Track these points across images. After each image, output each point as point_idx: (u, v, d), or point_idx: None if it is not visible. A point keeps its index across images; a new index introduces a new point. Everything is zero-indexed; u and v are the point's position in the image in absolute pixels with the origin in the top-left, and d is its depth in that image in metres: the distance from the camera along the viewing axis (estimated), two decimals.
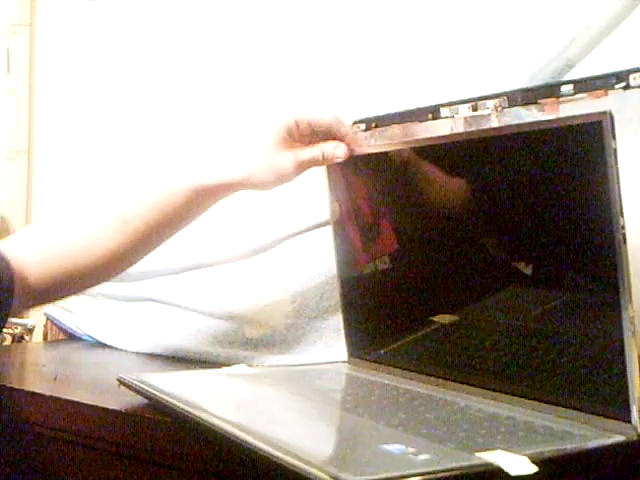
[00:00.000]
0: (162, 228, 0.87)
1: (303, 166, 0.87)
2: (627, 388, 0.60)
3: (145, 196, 0.86)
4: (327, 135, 0.87)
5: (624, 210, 0.60)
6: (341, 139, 0.87)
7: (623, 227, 0.60)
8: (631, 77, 0.68)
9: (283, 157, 0.86)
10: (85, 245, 0.84)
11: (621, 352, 0.61)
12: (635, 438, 0.60)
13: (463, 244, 0.78)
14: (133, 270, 0.99)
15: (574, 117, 0.64)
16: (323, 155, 0.87)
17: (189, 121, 1.19)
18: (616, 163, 0.60)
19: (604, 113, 0.61)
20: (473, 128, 0.80)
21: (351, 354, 0.92)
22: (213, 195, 0.87)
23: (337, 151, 0.86)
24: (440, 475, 0.53)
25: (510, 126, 0.73)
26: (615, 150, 0.60)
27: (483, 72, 0.94)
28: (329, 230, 0.97)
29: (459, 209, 0.77)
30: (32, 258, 0.81)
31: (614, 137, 0.60)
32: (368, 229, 0.89)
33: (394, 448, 0.58)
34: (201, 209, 0.88)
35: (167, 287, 1.13)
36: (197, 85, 1.20)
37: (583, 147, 0.63)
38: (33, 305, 0.85)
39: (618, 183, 0.60)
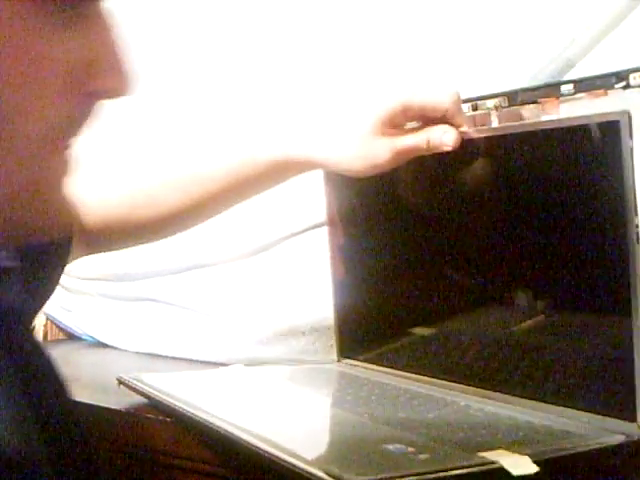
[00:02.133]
0: (233, 195, 0.82)
1: (402, 155, 0.77)
2: (634, 387, 0.60)
3: (222, 160, 0.81)
4: (439, 121, 0.77)
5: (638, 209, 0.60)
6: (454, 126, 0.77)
7: (637, 226, 0.60)
8: (631, 77, 0.68)
9: (379, 145, 0.76)
10: (148, 199, 0.80)
11: (629, 351, 0.61)
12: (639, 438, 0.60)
13: (467, 244, 0.78)
14: (133, 270, 0.99)
15: (592, 116, 0.64)
16: (428, 143, 0.76)
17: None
18: (632, 162, 0.60)
19: (623, 112, 0.61)
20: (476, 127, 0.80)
21: (341, 354, 0.91)
22: (295, 170, 0.81)
23: (445, 138, 0.75)
24: (440, 475, 0.53)
25: (526, 124, 0.73)
26: (632, 149, 0.60)
27: (483, 72, 0.94)
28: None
29: (465, 209, 0.77)
30: (92, 202, 0.78)
31: (631, 136, 0.60)
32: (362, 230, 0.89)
33: (394, 448, 0.58)
34: (277, 181, 0.83)
35: (167, 287, 1.13)
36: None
37: (600, 146, 0.63)
38: (87, 252, 0.82)
39: (634, 182, 0.60)
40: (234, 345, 1.04)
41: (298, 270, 1.03)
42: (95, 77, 0.40)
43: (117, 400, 0.81)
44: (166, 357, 1.10)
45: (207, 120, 1.11)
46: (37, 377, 0.52)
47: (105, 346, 1.19)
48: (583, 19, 0.91)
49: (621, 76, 0.69)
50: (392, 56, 1.03)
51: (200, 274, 1.10)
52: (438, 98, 0.75)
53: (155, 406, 0.77)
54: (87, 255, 0.82)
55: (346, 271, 0.91)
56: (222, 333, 1.05)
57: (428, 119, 0.76)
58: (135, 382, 0.80)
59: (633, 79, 0.68)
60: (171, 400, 0.74)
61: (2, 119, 0.37)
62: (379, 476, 0.52)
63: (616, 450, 0.59)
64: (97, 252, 0.84)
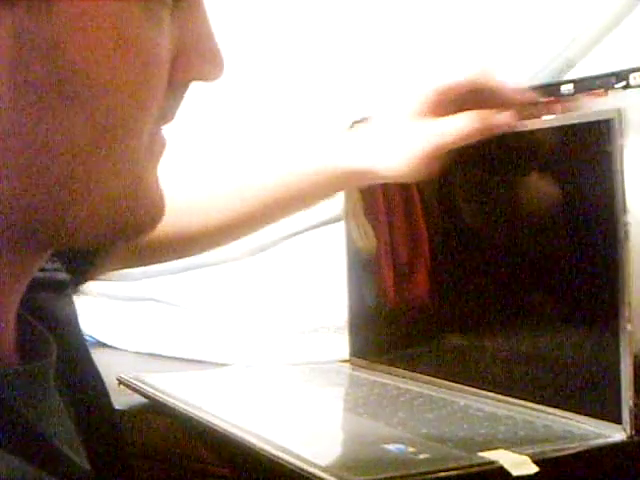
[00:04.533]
0: (284, 206, 0.79)
1: (442, 142, 0.70)
2: (620, 391, 0.60)
3: (274, 172, 0.78)
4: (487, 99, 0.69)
5: (627, 207, 0.60)
6: (505, 102, 0.69)
7: (626, 224, 0.60)
8: (631, 77, 0.68)
9: (419, 137, 0.70)
10: (197, 211, 0.77)
11: (616, 355, 0.61)
12: (626, 439, 0.60)
13: (467, 244, 0.78)
14: (133, 270, 0.99)
15: (586, 115, 0.64)
16: (470, 127, 0.68)
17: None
18: (622, 160, 0.60)
19: (616, 111, 0.61)
20: None
21: (353, 353, 0.92)
22: (351, 181, 0.78)
23: (500, 116, 0.67)
24: (440, 475, 0.53)
25: (521, 123, 0.73)
26: (622, 147, 0.60)
27: None
28: (329, 230, 0.97)
29: (467, 209, 0.77)
30: None
31: (622, 135, 0.60)
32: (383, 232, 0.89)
33: (394, 448, 0.58)
34: (332, 193, 0.79)
35: (167, 287, 1.13)
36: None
37: (592, 144, 0.63)
38: (129, 265, 0.81)
39: (623, 180, 0.60)
40: (234, 345, 1.04)
41: (298, 270, 1.03)
42: (189, 65, 0.40)
43: (117, 400, 0.81)
44: (166, 357, 1.10)
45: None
46: (84, 390, 0.53)
47: (105, 346, 1.19)
48: (583, 19, 0.91)
49: (621, 76, 0.69)
50: (392, 58, 1.03)
51: (200, 274, 1.10)
52: (468, 71, 0.70)
53: (155, 406, 0.77)
54: (128, 267, 0.81)
55: (361, 272, 0.91)
56: (222, 333, 1.05)
57: (472, 100, 0.70)
58: (135, 382, 0.80)
59: (633, 79, 0.68)
60: (171, 400, 0.74)
61: (121, 122, 0.37)
62: (379, 476, 0.52)
63: (613, 450, 0.59)
64: (139, 265, 0.83)
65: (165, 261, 0.85)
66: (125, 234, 0.41)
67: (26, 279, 0.42)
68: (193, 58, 0.40)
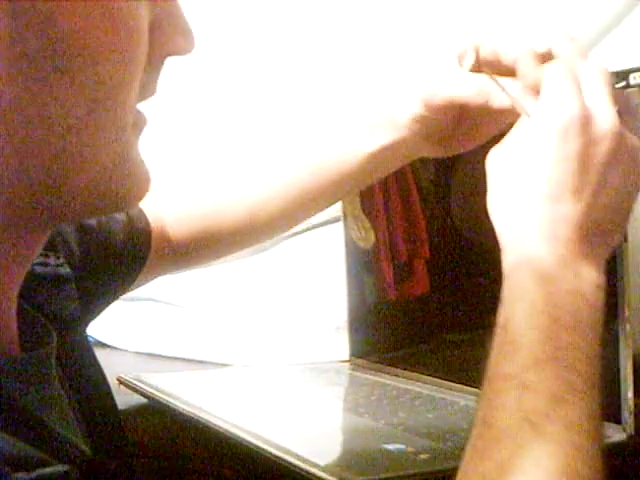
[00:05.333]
0: (327, 191, 0.72)
1: (456, 101, 0.61)
2: (619, 390, 0.60)
3: (321, 150, 0.71)
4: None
5: None
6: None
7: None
8: (631, 77, 0.68)
9: (441, 100, 0.62)
10: (234, 205, 0.74)
11: (616, 355, 0.61)
12: (626, 439, 0.60)
13: (467, 243, 0.78)
14: None
15: None
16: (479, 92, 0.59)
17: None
18: None
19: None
20: None
21: (353, 353, 0.92)
22: (377, 135, 0.67)
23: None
24: (440, 475, 0.53)
25: None
26: None
27: None
28: (328, 230, 0.97)
29: (466, 207, 0.77)
30: (175, 215, 0.75)
31: None
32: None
33: (394, 448, 0.58)
34: (371, 158, 0.68)
35: (167, 287, 1.13)
36: None
37: None
38: (173, 267, 0.80)
39: None
40: (234, 345, 1.04)
41: (298, 270, 1.03)
42: (164, 39, 0.41)
43: (117, 400, 0.81)
44: (166, 357, 1.10)
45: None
46: (86, 382, 0.53)
47: (105, 346, 1.19)
48: (583, 19, 0.91)
49: (621, 76, 0.69)
50: (389, 59, 1.03)
51: (199, 274, 1.10)
52: (509, 43, 0.60)
53: (155, 406, 0.77)
54: (178, 271, 0.81)
55: (360, 271, 0.91)
56: (222, 333, 1.05)
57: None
58: (135, 382, 0.80)
59: (633, 79, 0.68)
60: (171, 400, 0.74)
61: (111, 93, 0.38)
62: (379, 476, 0.53)
63: (612, 450, 0.59)
64: (187, 267, 0.82)
65: (205, 263, 0.84)
66: (117, 204, 0.42)
67: (26, 264, 0.42)
68: (168, 32, 0.41)
